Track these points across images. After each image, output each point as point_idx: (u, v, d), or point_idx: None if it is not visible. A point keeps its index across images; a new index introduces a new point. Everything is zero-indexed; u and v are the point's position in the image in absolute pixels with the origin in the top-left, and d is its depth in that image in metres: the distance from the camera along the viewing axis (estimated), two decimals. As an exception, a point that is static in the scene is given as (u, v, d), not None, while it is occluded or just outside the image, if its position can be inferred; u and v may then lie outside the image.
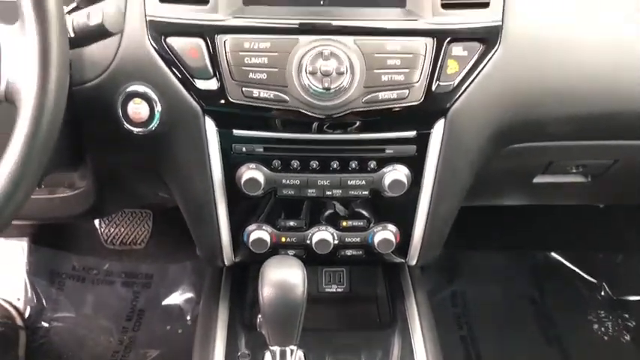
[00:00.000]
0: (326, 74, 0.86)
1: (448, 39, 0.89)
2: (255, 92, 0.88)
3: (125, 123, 0.90)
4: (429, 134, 0.94)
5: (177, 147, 0.94)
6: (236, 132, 0.92)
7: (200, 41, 0.87)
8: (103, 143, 1.00)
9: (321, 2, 0.91)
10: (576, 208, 1.60)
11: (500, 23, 0.91)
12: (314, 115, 0.89)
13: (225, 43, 0.87)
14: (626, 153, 1.11)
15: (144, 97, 0.88)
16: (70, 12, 0.84)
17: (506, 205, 1.48)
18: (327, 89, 0.86)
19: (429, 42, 0.89)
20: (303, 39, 0.87)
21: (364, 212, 1.05)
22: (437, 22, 0.89)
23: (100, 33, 0.78)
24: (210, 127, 0.92)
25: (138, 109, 0.89)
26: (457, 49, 0.90)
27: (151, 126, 0.90)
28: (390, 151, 0.95)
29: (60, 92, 0.65)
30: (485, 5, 0.91)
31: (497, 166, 1.09)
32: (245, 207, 1.03)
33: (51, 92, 0.64)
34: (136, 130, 0.90)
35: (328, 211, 1.05)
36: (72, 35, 0.82)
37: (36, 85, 0.62)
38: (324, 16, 0.89)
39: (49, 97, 0.64)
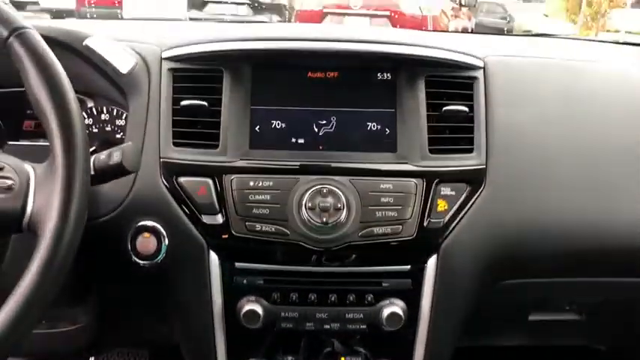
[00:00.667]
0: (324, 210, 0.92)
1: (437, 180, 0.97)
2: (258, 226, 0.94)
3: (133, 256, 0.94)
4: (423, 268, 0.99)
5: (181, 279, 0.98)
6: (238, 264, 0.97)
7: (209, 180, 0.95)
8: (109, 276, 1.04)
9: (320, 147, 1.01)
10: (578, 351, 1.57)
11: (484, 166, 1.00)
12: (313, 247, 0.94)
13: (232, 181, 0.95)
14: (615, 290, 1.14)
15: (153, 231, 0.94)
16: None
17: (506, 349, 1.46)
18: (326, 223, 0.92)
19: (419, 182, 0.97)
20: (303, 178, 0.96)
21: (362, 349, 1.05)
22: (425, 165, 0.98)
23: (118, 171, 0.86)
24: (214, 260, 0.96)
25: (146, 243, 0.94)
26: (445, 189, 0.98)
27: (157, 259, 0.94)
28: (386, 284, 0.99)
29: (78, 225, 0.71)
30: (470, 151, 1.00)
31: (492, 302, 1.11)
32: (244, 341, 1.03)
33: (70, 225, 0.69)
34: (142, 262, 0.95)
35: (327, 348, 1.05)
36: (92, 173, 0.90)
37: (57, 216, 0.68)
38: (322, 158, 0.99)
39: (68, 229, 0.69)
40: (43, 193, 0.72)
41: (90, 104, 1.18)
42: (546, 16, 12.74)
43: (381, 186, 0.96)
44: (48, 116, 0.69)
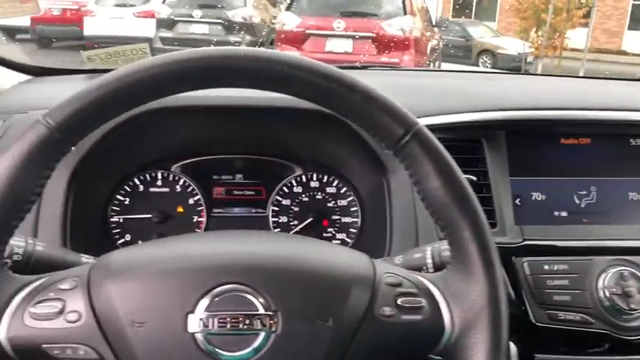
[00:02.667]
0: (628, 295, 0.87)
1: None
2: (561, 315, 0.87)
3: None
4: None
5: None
6: (538, 356, 0.89)
7: None
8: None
9: (584, 221, 0.96)
10: None
11: None
12: (619, 336, 0.88)
13: (524, 265, 0.89)
14: None
15: None
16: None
17: None
18: (632, 310, 0.86)
19: None
20: (597, 259, 0.90)
21: None
22: None
23: None
24: (513, 352, 0.88)
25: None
26: None
27: None
28: None
29: None
30: None
31: None
32: None
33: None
34: None
35: None
36: None
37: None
38: (599, 236, 0.93)
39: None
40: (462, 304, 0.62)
41: (298, 172, 1.08)
42: (498, 34, 13.23)
43: None
44: (458, 225, 0.60)
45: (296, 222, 1.07)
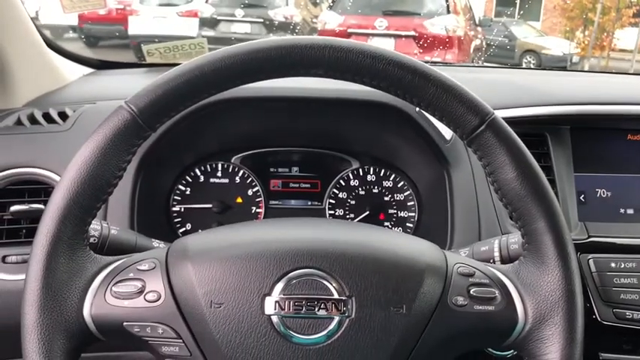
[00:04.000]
0: None
1: None
2: (629, 314, 0.85)
3: None
4: None
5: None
6: (603, 355, 0.88)
7: None
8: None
9: None
10: None
11: None
12: None
13: (590, 262, 0.87)
14: None
15: None
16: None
17: None
18: None
19: None
20: None
21: None
22: None
23: None
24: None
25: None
26: None
27: None
28: None
29: None
30: None
31: None
32: None
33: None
34: None
35: None
36: None
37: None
38: None
39: None
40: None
41: (355, 165, 1.08)
42: (542, 34, 12.94)
43: None
44: (533, 215, 0.60)
45: (352, 215, 1.07)
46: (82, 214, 0.58)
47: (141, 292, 0.58)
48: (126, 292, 0.58)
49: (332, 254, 0.58)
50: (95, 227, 0.72)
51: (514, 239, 0.74)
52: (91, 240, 0.71)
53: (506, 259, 0.74)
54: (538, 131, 0.95)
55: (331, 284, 0.57)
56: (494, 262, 0.74)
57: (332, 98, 0.95)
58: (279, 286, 0.56)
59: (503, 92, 1.03)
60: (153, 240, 0.77)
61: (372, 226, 0.71)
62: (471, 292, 0.60)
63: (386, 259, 0.60)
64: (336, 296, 0.56)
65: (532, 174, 0.60)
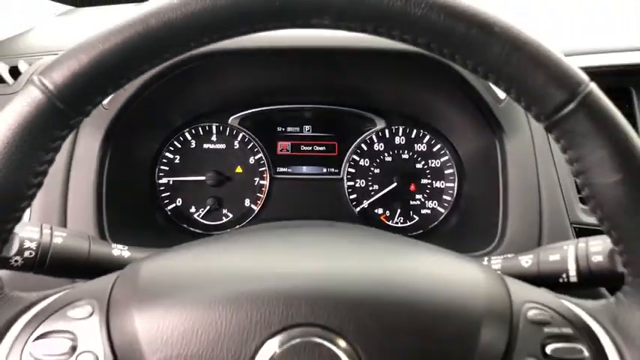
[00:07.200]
0: None
1: None
2: None
3: None
4: None
5: None
6: None
7: None
8: None
9: None
10: None
11: None
12: None
13: None
14: None
15: None
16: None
17: None
18: None
19: None
20: None
21: None
22: None
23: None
24: None
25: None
26: None
27: None
28: None
29: None
30: None
31: None
32: None
33: None
34: None
35: None
36: None
37: None
38: None
39: None
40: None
41: (380, 125, 0.88)
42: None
43: None
44: (622, 219, 0.40)
45: (376, 187, 0.88)
46: None
47: (72, 351, 0.40)
48: (50, 355, 0.40)
49: (344, 303, 0.39)
50: (32, 236, 0.54)
51: (597, 248, 0.54)
52: (27, 254, 0.54)
53: (585, 275, 0.54)
54: (619, 84, 0.73)
55: (341, 349, 0.38)
56: (568, 277, 0.55)
57: (347, 47, 0.73)
58: (265, 353, 0.38)
59: (573, 34, 0.80)
60: (113, 245, 0.59)
61: (404, 244, 0.50)
62: (548, 350, 0.41)
63: (424, 306, 0.41)
64: None
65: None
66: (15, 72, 0.78)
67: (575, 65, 0.40)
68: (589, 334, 0.42)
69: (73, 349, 0.40)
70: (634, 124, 0.73)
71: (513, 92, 0.40)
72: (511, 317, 0.42)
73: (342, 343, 0.38)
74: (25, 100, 0.39)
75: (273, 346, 0.38)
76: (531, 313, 0.42)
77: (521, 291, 0.44)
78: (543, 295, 0.45)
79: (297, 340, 0.38)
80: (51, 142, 0.40)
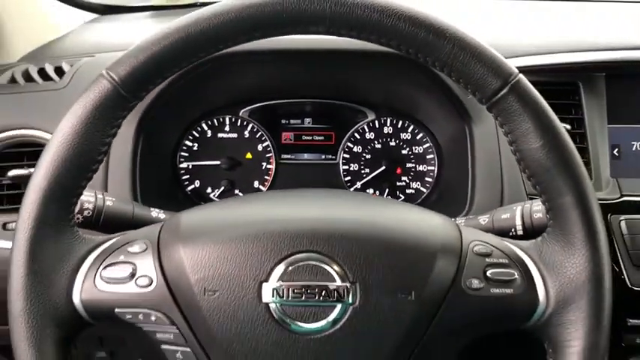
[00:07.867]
0: None
1: None
2: None
3: None
4: None
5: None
6: (632, 321, 0.83)
7: None
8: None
9: None
10: None
11: None
12: None
13: (621, 224, 0.80)
14: None
15: None
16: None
17: None
18: None
19: None
20: None
21: None
22: None
23: None
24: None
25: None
26: None
27: None
28: None
29: None
30: None
31: None
32: None
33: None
34: None
35: None
36: None
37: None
38: None
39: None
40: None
41: (371, 117, 1.02)
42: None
43: None
44: (560, 190, 0.53)
45: (367, 170, 1.02)
46: (65, 195, 0.54)
47: (132, 276, 0.54)
48: (116, 278, 0.54)
49: (334, 236, 0.54)
50: (89, 199, 0.68)
51: (538, 207, 0.68)
52: (85, 213, 0.68)
53: (529, 229, 0.68)
54: (570, 79, 0.87)
55: (333, 269, 0.52)
56: (515, 231, 0.69)
57: (342, 49, 0.87)
58: (277, 272, 0.52)
59: (533, 36, 0.94)
60: (152, 210, 0.73)
61: (380, 200, 0.65)
62: (488, 273, 0.55)
63: (394, 240, 0.55)
64: (338, 282, 0.52)
65: (560, 143, 0.53)
66: (59, 71, 0.92)
67: (506, 60, 0.54)
68: (521, 263, 0.56)
69: (132, 275, 0.54)
70: (580, 113, 0.86)
71: (462, 82, 0.54)
72: (460, 250, 0.55)
73: (334, 265, 0.52)
74: (98, 89, 0.53)
75: (283, 266, 0.52)
76: (477, 248, 0.56)
77: (471, 233, 0.58)
78: (488, 236, 0.59)
79: (301, 263, 0.52)
80: (115, 120, 0.55)
